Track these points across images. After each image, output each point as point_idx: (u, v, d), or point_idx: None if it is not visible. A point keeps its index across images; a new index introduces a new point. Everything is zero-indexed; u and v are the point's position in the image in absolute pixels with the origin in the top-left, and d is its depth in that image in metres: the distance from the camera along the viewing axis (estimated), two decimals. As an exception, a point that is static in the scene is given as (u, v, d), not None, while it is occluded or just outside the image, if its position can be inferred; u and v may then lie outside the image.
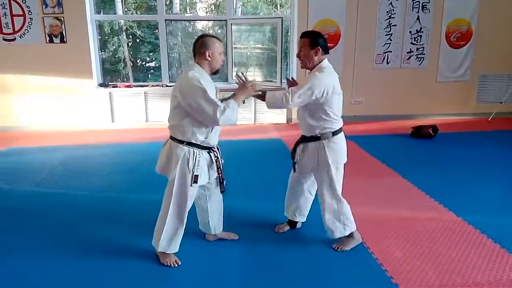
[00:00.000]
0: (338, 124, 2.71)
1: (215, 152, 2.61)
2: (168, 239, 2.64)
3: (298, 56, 2.70)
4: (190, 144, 2.49)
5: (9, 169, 4.65)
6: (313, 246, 2.90)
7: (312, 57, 2.63)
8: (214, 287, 2.46)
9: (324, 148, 2.67)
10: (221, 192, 2.75)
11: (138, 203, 3.63)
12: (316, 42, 2.61)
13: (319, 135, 2.68)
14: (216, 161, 2.62)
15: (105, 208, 3.57)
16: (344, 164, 2.77)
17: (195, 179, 2.52)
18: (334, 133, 2.69)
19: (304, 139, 2.78)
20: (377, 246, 2.88)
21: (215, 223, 2.90)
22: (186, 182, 2.53)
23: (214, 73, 2.57)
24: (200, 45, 2.49)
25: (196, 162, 2.51)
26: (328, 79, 2.57)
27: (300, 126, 2.81)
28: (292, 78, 2.97)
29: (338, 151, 2.72)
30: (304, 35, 2.68)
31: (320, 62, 2.65)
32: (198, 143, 2.51)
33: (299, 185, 2.96)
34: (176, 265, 2.65)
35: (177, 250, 2.68)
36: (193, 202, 2.75)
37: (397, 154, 5.16)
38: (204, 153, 2.56)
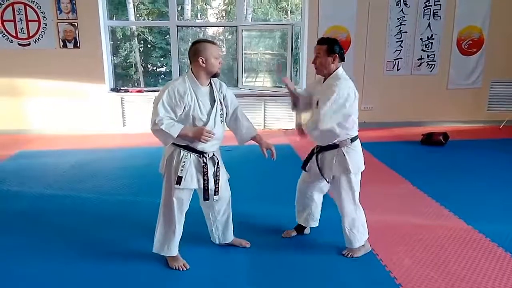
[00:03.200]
0: (356, 130, 2.70)
1: (205, 158, 2.55)
2: (160, 241, 2.65)
3: (314, 62, 2.67)
4: (177, 144, 2.50)
5: (21, 172, 4.72)
6: (322, 252, 2.89)
7: (328, 64, 2.62)
8: (222, 291, 2.47)
9: (344, 155, 2.65)
10: (204, 199, 2.62)
11: (148, 207, 3.64)
12: (333, 49, 2.60)
13: (337, 143, 2.66)
14: (203, 167, 2.54)
15: (115, 211, 3.61)
16: (362, 172, 2.76)
17: (178, 180, 2.49)
18: (353, 139, 2.68)
19: (321, 149, 2.73)
20: (386, 253, 2.87)
21: (219, 234, 2.89)
22: (171, 182, 2.53)
23: (213, 76, 2.52)
24: (193, 53, 2.45)
25: (181, 163, 2.49)
26: (349, 84, 2.58)
27: (316, 136, 2.73)
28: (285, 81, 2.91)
29: (357, 157, 2.71)
30: (322, 41, 2.65)
31: (336, 70, 2.65)
32: (183, 144, 2.50)
33: (308, 191, 2.96)
34: (184, 269, 2.66)
35: (173, 254, 2.68)
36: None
37: (407, 161, 5.13)
38: (193, 155, 2.53)
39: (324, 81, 2.70)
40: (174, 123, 2.41)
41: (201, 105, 2.48)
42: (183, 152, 2.50)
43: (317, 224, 3.10)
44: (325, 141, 2.69)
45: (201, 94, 2.48)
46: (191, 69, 2.50)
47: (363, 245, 2.84)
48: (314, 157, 2.79)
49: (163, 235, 2.65)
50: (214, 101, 2.53)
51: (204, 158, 2.54)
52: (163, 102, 2.38)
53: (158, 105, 2.38)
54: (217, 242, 2.93)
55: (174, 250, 2.68)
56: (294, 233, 3.11)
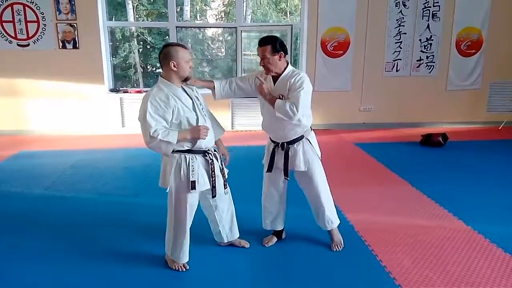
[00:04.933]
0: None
1: (210, 155, 2.57)
2: (174, 249, 2.66)
3: (263, 65, 2.66)
4: (180, 151, 2.48)
5: (21, 172, 4.72)
6: (318, 253, 2.89)
7: (276, 63, 2.63)
8: (221, 292, 2.48)
9: (310, 143, 2.75)
10: (212, 197, 2.65)
11: (147, 208, 3.66)
12: (277, 47, 2.61)
13: (302, 134, 2.73)
14: (210, 164, 2.57)
15: (114, 212, 3.61)
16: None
17: (192, 185, 2.48)
18: (311, 127, 2.78)
19: (289, 144, 2.74)
20: (385, 254, 2.87)
21: (226, 232, 2.90)
22: (183, 190, 2.51)
23: (184, 80, 2.51)
24: (164, 56, 2.44)
25: (191, 167, 2.48)
26: (307, 77, 2.66)
27: (277, 133, 2.75)
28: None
29: (317, 143, 2.83)
30: (263, 42, 2.63)
31: (285, 67, 2.68)
32: (187, 148, 2.49)
33: (277, 196, 2.94)
34: (184, 270, 2.67)
35: (187, 260, 2.70)
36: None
37: (407, 162, 5.13)
38: (199, 157, 2.53)
39: (277, 80, 2.70)
40: (169, 131, 2.40)
41: (186, 104, 2.48)
42: (188, 156, 2.49)
43: (283, 227, 3.08)
44: (293, 135, 2.73)
45: (181, 95, 2.48)
46: (162, 75, 2.50)
47: (335, 229, 2.95)
48: (278, 155, 2.80)
49: (176, 242, 2.64)
50: (190, 97, 2.54)
51: (209, 156, 2.56)
52: (150, 114, 2.36)
53: (147, 118, 2.35)
54: (225, 241, 2.93)
55: (187, 254, 2.69)
56: (275, 239, 3.06)
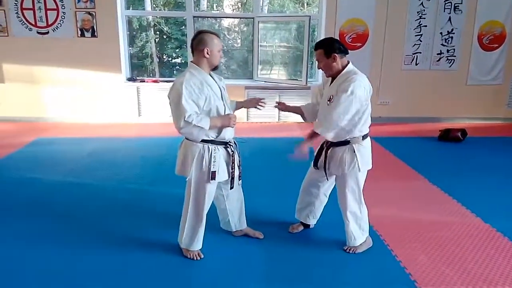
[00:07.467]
0: (368, 127, 2.64)
1: (231, 147, 2.59)
2: (189, 237, 2.67)
3: (319, 68, 2.67)
4: (203, 140, 2.48)
5: (38, 159, 4.79)
6: (334, 247, 2.87)
7: (331, 65, 2.57)
8: (234, 281, 2.48)
9: (355, 151, 2.58)
10: (230, 188, 2.68)
11: (162, 196, 3.69)
12: (330, 50, 2.54)
13: (349, 139, 2.60)
14: (231, 156, 2.58)
15: (130, 200, 3.64)
16: (368, 170, 2.72)
17: (212, 175, 2.49)
18: (364, 136, 2.63)
19: (331, 144, 2.67)
20: (401, 249, 2.84)
21: (235, 221, 2.92)
22: (203, 180, 2.52)
23: (213, 69, 2.53)
24: (198, 42, 2.43)
25: (212, 158, 2.49)
26: (363, 80, 2.52)
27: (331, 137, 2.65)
28: (278, 103, 2.94)
29: (367, 155, 2.66)
30: (317, 46, 2.61)
31: (344, 66, 2.59)
32: (211, 138, 2.50)
33: (315, 188, 2.92)
34: (199, 258, 2.69)
35: (200, 247, 2.71)
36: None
37: (424, 157, 5.06)
38: (221, 148, 2.54)
39: (332, 80, 2.64)
40: (202, 117, 2.40)
41: (216, 92, 2.48)
42: (211, 147, 2.50)
43: (315, 222, 3.08)
44: (337, 138, 2.62)
45: (212, 83, 2.48)
46: (192, 61, 2.49)
47: (364, 241, 2.82)
48: (323, 152, 2.74)
49: (192, 230, 2.66)
50: (219, 86, 2.54)
51: (231, 147, 2.58)
52: (186, 99, 2.33)
53: (182, 103, 2.32)
54: (234, 230, 2.95)
55: (201, 242, 2.71)
56: (301, 227, 3.10)
